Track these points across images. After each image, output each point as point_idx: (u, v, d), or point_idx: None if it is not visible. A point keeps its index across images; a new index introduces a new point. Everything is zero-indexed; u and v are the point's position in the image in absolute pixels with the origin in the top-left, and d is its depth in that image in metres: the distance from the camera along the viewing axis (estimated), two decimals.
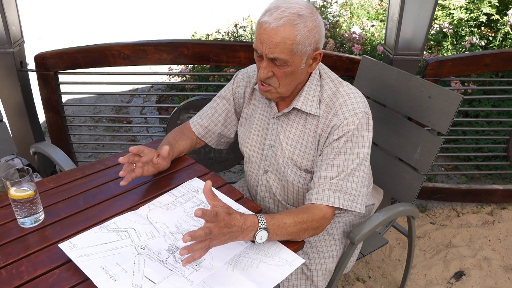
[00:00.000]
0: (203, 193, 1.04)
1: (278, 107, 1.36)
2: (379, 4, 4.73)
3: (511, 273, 2.11)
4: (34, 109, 2.22)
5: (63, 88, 2.21)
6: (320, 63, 1.33)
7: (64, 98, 3.36)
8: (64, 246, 1.07)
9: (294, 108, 1.31)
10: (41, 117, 2.29)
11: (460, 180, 2.78)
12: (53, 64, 2.02)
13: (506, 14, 3.60)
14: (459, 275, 2.11)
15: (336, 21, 4.09)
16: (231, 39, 3.71)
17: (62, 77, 2.14)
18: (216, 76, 3.18)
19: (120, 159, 1.20)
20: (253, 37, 3.95)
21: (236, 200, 1.28)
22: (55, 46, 2.13)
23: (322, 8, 4.30)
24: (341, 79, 1.32)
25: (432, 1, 1.80)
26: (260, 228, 1.06)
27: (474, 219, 2.48)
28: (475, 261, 2.19)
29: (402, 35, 1.89)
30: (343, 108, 1.24)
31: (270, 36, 1.13)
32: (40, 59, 2.00)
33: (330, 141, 1.24)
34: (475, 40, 3.58)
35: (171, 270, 1.02)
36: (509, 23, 3.52)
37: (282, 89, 1.24)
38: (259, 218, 1.07)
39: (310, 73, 1.30)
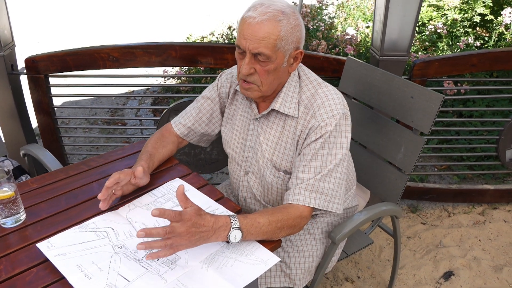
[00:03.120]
0: (176, 197, 1.05)
1: (258, 108, 1.38)
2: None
3: (500, 273, 2.11)
4: (26, 112, 2.24)
5: (56, 90, 2.23)
6: (301, 64, 1.35)
7: (60, 101, 3.40)
8: (42, 245, 1.08)
9: (273, 110, 1.32)
10: (34, 120, 2.32)
11: (452, 180, 2.78)
12: (43, 67, 2.04)
13: (500, 14, 3.60)
14: (448, 275, 2.11)
15: (331, 22, 4.10)
16: (225, 41, 3.73)
17: (58, 80, 2.16)
18: (209, 78, 3.20)
19: (99, 196, 1.17)
20: None
21: (216, 200, 1.29)
22: (53, 49, 2.14)
23: (318, 10, 4.32)
24: (321, 80, 1.33)
25: (417, 2, 1.81)
26: (233, 228, 1.07)
27: (465, 219, 2.48)
28: (464, 261, 2.19)
29: (388, 36, 1.90)
30: (321, 109, 1.25)
31: (255, 31, 1.14)
32: (31, 62, 2.03)
33: (308, 142, 1.25)
34: (470, 40, 3.58)
35: (146, 268, 1.04)
36: (503, 23, 3.52)
37: (264, 87, 1.24)
38: (231, 218, 1.08)
39: (289, 76, 1.31)
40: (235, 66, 1.50)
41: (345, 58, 2.00)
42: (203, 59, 2.03)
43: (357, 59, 1.75)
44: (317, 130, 1.23)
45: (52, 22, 6.23)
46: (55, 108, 2.24)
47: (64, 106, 3.16)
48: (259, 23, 1.14)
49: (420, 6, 1.83)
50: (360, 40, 3.63)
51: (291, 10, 1.18)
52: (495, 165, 2.70)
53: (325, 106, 1.25)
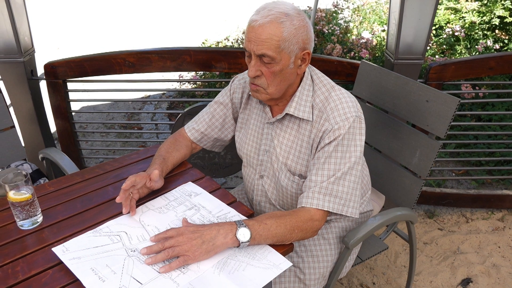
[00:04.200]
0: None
1: (272, 112, 1.38)
2: None
3: None
4: (45, 116, 2.30)
5: (75, 95, 2.28)
6: (313, 68, 1.35)
7: (78, 106, 3.47)
8: (57, 250, 1.10)
9: (287, 114, 1.32)
10: (53, 124, 2.37)
11: (471, 185, 2.73)
12: (61, 72, 2.09)
13: None
14: (466, 282, 2.07)
15: (347, 26, 4.09)
16: (240, 46, 3.75)
17: (76, 85, 2.21)
18: (223, 82, 3.22)
19: (118, 199, 1.20)
20: None
21: (228, 204, 1.30)
22: (73, 55, 2.20)
23: (333, 14, 4.31)
24: (333, 84, 1.33)
25: (432, 5, 1.79)
26: (239, 226, 1.09)
27: (483, 225, 2.43)
28: (483, 268, 2.14)
29: (403, 39, 1.88)
30: (334, 112, 1.25)
31: (257, 33, 1.17)
32: (49, 67, 2.08)
33: (321, 145, 1.25)
34: (489, 43, 3.52)
35: (158, 272, 1.04)
36: None
37: (271, 89, 1.24)
38: (236, 221, 1.11)
39: (302, 78, 1.31)
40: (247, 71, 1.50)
41: (359, 62, 1.99)
42: (217, 64, 2.05)
43: (371, 63, 1.74)
44: (331, 133, 1.23)
45: (71, 29, 6.37)
46: (72, 113, 2.28)
47: (82, 111, 3.22)
48: (261, 25, 1.16)
49: (435, 9, 1.81)
50: (376, 44, 3.60)
51: (295, 12, 1.19)
52: None
53: (338, 109, 1.25)
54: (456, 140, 2.82)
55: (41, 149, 2.26)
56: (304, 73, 1.31)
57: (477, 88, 2.92)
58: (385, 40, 3.83)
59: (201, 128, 1.52)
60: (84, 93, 2.37)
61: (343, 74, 2.03)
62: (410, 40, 1.87)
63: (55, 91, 2.14)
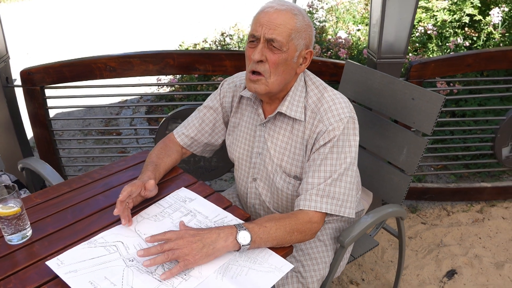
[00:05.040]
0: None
1: (264, 114, 1.37)
2: (364, 9, 4.78)
3: (502, 269, 2.13)
4: (22, 125, 2.21)
5: (50, 102, 2.21)
6: (306, 70, 1.35)
7: (52, 112, 3.36)
8: (52, 263, 1.06)
9: (279, 114, 1.32)
10: (29, 132, 2.29)
11: (449, 179, 2.81)
12: (39, 78, 2.02)
13: (488, 14, 3.67)
14: (451, 273, 2.13)
15: (322, 26, 4.13)
16: (218, 47, 3.73)
17: (49, 92, 2.14)
18: (204, 85, 3.19)
19: (115, 212, 1.17)
20: (241, 46, 3.95)
21: (224, 208, 1.28)
22: (43, 61, 2.13)
23: (309, 14, 4.35)
24: (326, 85, 1.34)
25: (412, 4, 1.83)
26: (239, 230, 1.08)
27: (464, 218, 2.50)
28: (466, 259, 2.21)
29: (385, 38, 1.91)
30: (328, 114, 1.26)
31: (272, 18, 1.19)
32: (26, 74, 2.00)
33: (316, 147, 1.26)
34: (459, 40, 3.63)
35: (160, 281, 1.02)
36: (492, 23, 3.58)
37: (272, 79, 1.22)
38: (236, 224, 1.11)
39: (296, 79, 1.31)
40: (237, 75, 1.49)
41: (342, 62, 2.01)
42: (201, 66, 2.03)
43: (356, 63, 1.76)
44: (325, 134, 1.24)
45: (40, 34, 6.18)
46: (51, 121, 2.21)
47: (57, 118, 3.12)
48: (277, 11, 1.19)
49: (415, 9, 1.85)
50: (352, 43, 3.66)
51: (304, 12, 1.25)
52: (490, 163, 2.73)
53: (332, 110, 1.26)
54: (434, 136, 2.90)
55: (19, 158, 2.18)
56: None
57: (451, 84, 3.01)
58: (361, 40, 3.90)
59: (191, 133, 1.50)
60: (62, 100, 2.28)
61: (327, 74, 2.05)
62: (392, 39, 1.91)
63: (32, 99, 2.06)
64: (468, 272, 2.13)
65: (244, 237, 1.08)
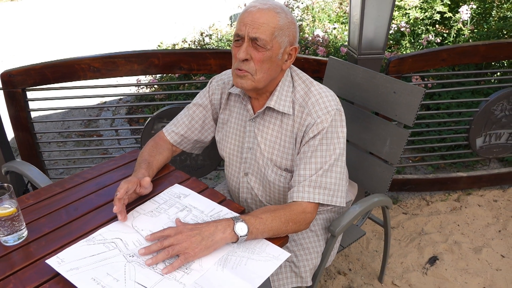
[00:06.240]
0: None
1: (253, 109, 1.41)
2: (339, 7, 4.88)
3: (480, 254, 2.24)
4: (2, 128, 2.17)
5: (32, 104, 2.17)
6: (292, 65, 1.39)
7: (32, 115, 3.28)
8: (52, 261, 1.06)
9: (268, 109, 1.36)
10: (9, 134, 2.24)
11: (427, 170, 2.92)
12: (20, 81, 1.99)
13: (457, 12, 3.81)
14: (433, 260, 2.22)
15: (300, 25, 4.20)
16: (198, 47, 3.74)
17: (34, 93, 2.10)
18: (186, 84, 3.20)
19: (115, 209, 1.18)
20: (220, 45, 3.96)
21: (219, 203, 1.31)
22: (16, 65, 2.08)
23: None
24: (312, 79, 1.38)
25: (390, 2, 1.91)
26: (236, 221, 1.11)
27: (442, 207, 2.61)
28: (446, 245, 2.30)
29: (365, 35, 1.98)
30: (316, 107, 1.30)
31: (255, 17, 1.22)
32: (7, 76, 1.97)
33: (306, 139, 1.30)
34: (431, 37, 3.77)
35: (162, 275, 1.04)
36: (461, 19, 3.73)
37: (258, 75, 1.26)
38: (232, 217, 1.14)
39: (283, 75, 1.35)
40: (225, 72, 1.52)
41: (324, 58, 2.07)
42: (185, 65, 2.04)
43: (339, 59, 1.82)
44: (314, 127, 1.28)
45: (13, 40, 6.01)
46: (33, 123, 2.17)
47: (37, 121, 3.06)
48: (260, 10, 1.22)
49: (393, 7, 1.93)
50: (329, 41, 3.74)
51: (287, 10, 1.28)
52: (465, 153, 2.85)
53: (319, 104, 1.30)
54: (411, 129, 3.00)
55: (0, 162, 2.14)
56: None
57: (425, 79, 3.12)
58: (337, 38, 3.99)
59: (181, 131, 1.51)
60: (44, 102, 2.24)
61: (310, 71, 2.10)
62: (371, 36, 1.98)
63: (13, 101, 2.02)
64: (449, 258, 2.23)
65: (241, 228, 1.12)
